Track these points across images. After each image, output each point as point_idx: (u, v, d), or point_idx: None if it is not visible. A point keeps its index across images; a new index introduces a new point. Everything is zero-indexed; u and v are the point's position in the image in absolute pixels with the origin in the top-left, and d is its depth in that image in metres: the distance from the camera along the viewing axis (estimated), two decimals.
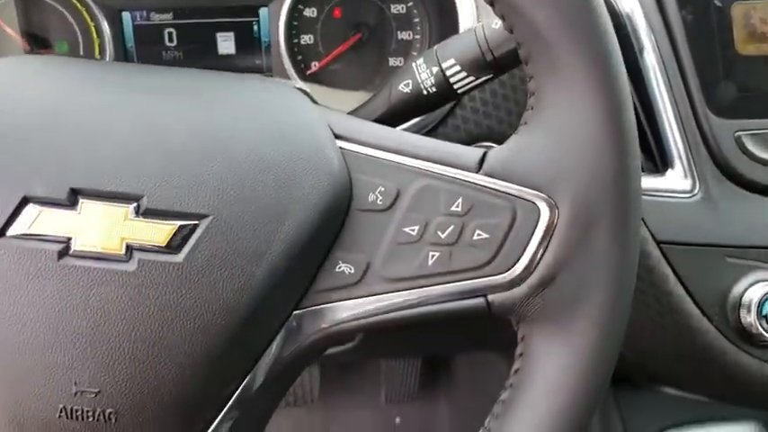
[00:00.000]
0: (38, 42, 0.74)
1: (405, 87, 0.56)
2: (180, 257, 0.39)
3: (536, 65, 0.42)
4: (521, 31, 0.42)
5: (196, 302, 0.39)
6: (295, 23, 0.74)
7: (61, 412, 0.39)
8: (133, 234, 0.39)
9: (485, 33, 0.54)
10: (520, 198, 0.42)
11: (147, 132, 0.41)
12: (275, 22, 0.73)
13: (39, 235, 0.39)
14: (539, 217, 0.42)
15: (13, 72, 0.43)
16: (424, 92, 0.56)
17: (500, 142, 0.45)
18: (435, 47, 0.56)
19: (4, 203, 0.39)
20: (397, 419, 1.29)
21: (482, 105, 0.65)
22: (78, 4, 0.72)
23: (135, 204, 0.40)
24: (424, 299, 0.42)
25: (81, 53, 0.73)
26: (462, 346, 0.95)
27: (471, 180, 0.43)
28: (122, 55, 0.73)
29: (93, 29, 0.73)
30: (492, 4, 0.43)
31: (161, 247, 0.39)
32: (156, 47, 0.74)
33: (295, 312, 0.42)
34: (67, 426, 0.39)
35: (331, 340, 0.43)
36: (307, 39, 0.75)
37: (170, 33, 0.74)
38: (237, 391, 0.42)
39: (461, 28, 0.66)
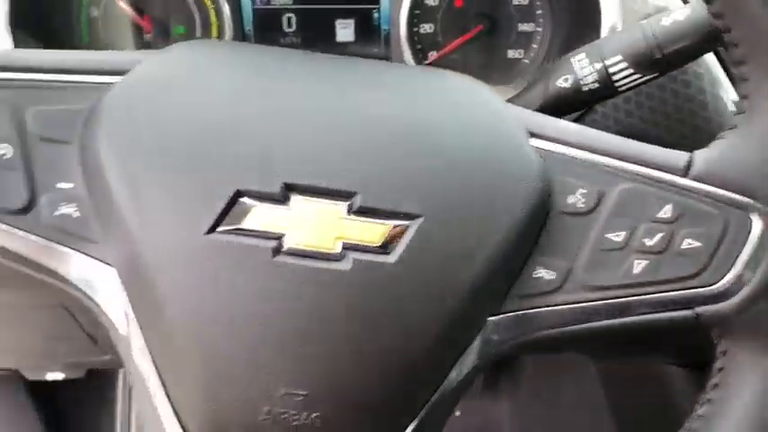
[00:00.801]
0: (155, 24, 0.72)
1: (563, 82, 0.54)
2: (392, 258, 0.38)
3: (754, 67, 0.40)
4: (740, 31, 0.40)
5: (405, 305, 0.38)
6: (416, 12, 0.72)
7: (267, 415, 0.38)
8: (347, 232, 0.38)
9: (653, 30, 0.52)
10: (731, 206, 0.40)
11: (358, 127, 0.39)
12: (396, 9, 0.71)
13: (251, 230, 0.37)
14: (751, 226, 0.40)
15: (219, 60, 0.42)
16: (584, 88, 0.54)
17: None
18: (598, 42, 0.54)
19: (218, 197, 0.37)
20: (457, 412, 1.28)
21: (624, 102, 0.63)
22: None
23: (348, 203, 0.38)
24: (627, 308, 0.41)
25: (198, 35, 0.72)
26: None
27: (680, 184, 0.41)
28: (240, 39, 0.72)
29: (212, 11, 0.71)
30: (709, 2, 0.41)
31: (375, 246, 0.38)
32: (275, 32, 0.72)
33: (492, 318, 0.41)
34: (270, 430, 0.38)
35: (526, 348, 0.42)
36: (427, 28, 0.73)
37: (289, 18, 0.72)
38: (434, 396, 0.40)
39: (604, 24, 0.63)
